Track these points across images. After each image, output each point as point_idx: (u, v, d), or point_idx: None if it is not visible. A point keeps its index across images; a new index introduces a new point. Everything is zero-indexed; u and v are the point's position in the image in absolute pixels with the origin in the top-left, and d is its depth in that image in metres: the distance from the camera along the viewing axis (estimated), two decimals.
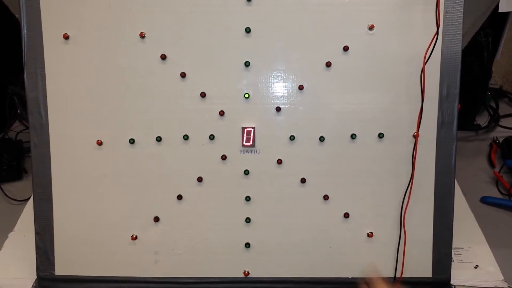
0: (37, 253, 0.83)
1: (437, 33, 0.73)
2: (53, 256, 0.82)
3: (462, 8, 0.76)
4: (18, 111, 1.21)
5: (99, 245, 0.83)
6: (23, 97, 1.15)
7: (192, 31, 0.77)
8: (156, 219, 0.82)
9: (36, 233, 0.82)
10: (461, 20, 0.76)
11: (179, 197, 0.81)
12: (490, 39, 1.15)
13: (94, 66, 0.78)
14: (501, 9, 1.02)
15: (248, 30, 0.77)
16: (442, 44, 0.77)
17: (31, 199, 1.00)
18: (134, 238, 0.82)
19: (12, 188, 1.11)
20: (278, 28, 0.77)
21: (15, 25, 0.87)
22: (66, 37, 0.77)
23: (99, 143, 0.80)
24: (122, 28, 0.77)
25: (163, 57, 0.77)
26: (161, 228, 0.82)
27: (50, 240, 0.82)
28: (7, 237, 0.94)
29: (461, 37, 0.77)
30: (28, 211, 1.00)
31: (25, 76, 0.78)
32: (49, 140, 0.80)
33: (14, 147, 1.17)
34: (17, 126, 1.27)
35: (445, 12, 0.76)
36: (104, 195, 0.82)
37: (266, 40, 0.78)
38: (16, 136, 1.23)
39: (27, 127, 1.23)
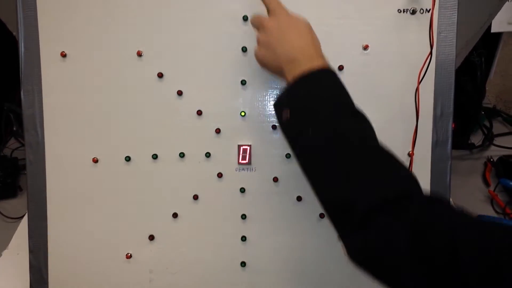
0: (30, 271, 0.82)
1: (430, 53, 0.74)
2: (47, 275, 0.81)
3: (455, 29, 0.77)
4: (14, 128, 1.22)
5: (94, 264, 0.82)
6: (19, 114, 1.15)
7: (189, 50, 0.78)
8: (151, 238, 0.81)
9: (30, 251, 0.81)
10: (455, 40, 0.77)
11: (175, 215, 0.81)
12: (483, 59, 1.16)
13: (91, 84, 0.79)
14: (494, 29, 1.04)
15: (244, 49, 0.78)
16: (436, 64, 0.78)
17: (26, 217, 0.99)
18: (129, 256, 0.82)
19: (7, 205, 1.10)
20: None
21: (12, 42, 0.88)
22: (63, 54, 0.77)
23: (95, 161, 0.80)
24: (120, 47, 0.78)
25: (160, 75, 0.78)
26: (156, 246, 0.82)
27: (44, 258, 0.81)
28: (1, 255, 0.93)
29: (454, 57, 0.78)
30: (22, 229, 0.99)
31: (21, 94, 0.78)
32: (45, 158, 0.80)
33: (9, 164, 1.17)
34: (12, 143, 1.27)
35: (439, 33, 0.77)
36: (99, 213, 0.81)
37: None
38: (11, 153, 1.23)
39: (23, 145, 1.22)
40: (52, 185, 0.80)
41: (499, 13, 0.94)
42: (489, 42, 1.20)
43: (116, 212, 0.81)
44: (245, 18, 0.77)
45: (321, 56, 0.65)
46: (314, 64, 0.61)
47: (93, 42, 0.78)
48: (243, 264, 0.82)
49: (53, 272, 0.82)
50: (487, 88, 1.29)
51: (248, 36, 0.78)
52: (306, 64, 0.61)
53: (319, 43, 0.67)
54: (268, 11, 0.68)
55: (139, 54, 0.78)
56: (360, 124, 0.61)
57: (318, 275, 0.82)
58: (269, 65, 0.68)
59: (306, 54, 0.63)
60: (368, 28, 0.77)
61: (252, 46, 0.77)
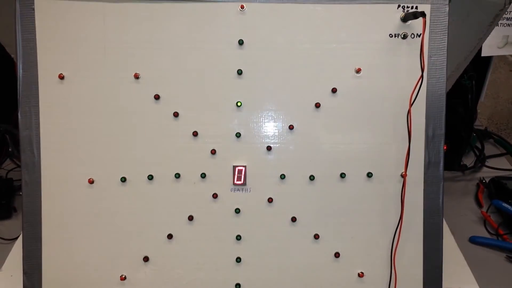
0: None
1: (422, 76, 0.76)
2: None
3: (446, 53, 0.79)
4: (10, 149, 1.22)
5: (88, 285, 0.81)
6: (15, 135, 1.15)
7: (185, 72, 0.79)
8: (146, 259, 0.81)
9: (24, 272, 0.81)
10: (445, 64, 0.79)
11: (170, 236, 0.81)
12: (474, 82, 1.18)
13: (88, 106, 0.80)
14: (484, 53, 1.07)
15: (240, 72, 0.79)
16: (427, 87, 0.79)
17: (20, 238, 0.99)
18: (123, 278, 0.81)
19: (1, 226, 1.09)
20: (269, 70, 0.80)
21: (10, 64, 0.89)
22: (61, 77, 0.78)
23: (91, 182, 0.80)
24: (117, 69, 0.79)
25: (157, 97, 0.79)
26: (151, 268, 0.82)
27: (38, 280, 0.81)
28: None
29: (445, 80, 0.79)
30: (16, 250, 0.98)
31: (19, 115, 0.79)
32: (41, 178, 0.80)
33: (4, 185, 1.16)
34: (8, 164, 1.27)
35: (429, 57, 0.79)
36: (94, 234, 0.81)
37: (257, 82, 0.80)
38: (6, 174, 1.22)
39: (18, 166, 1.22)
40: (48, 206, 0.80)
41: (488, 38, 0.96)
42: (480, 65, 1.22)
43: (110, 233, 0.81)
44: (240, 42, 0.78)
45: None
46: None
47: (90, 65, 0.79)
48: (237, 286, 0.82)
49: None
50: (478, 110, 1.31)
51: (243, 59, 0.79)
52: None
53: None
54: None
55: (136, 77, 0.79)
56: None
57: None
58: None
59: None
60: (360, 52, 0.79)
61: (247, 68, 0.79)
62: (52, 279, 0.81)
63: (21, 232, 0.81)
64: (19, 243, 1.00)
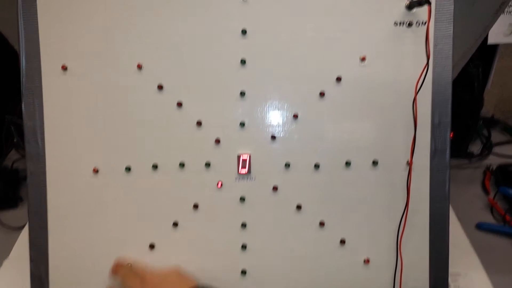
0: (31, 280, 0.82)
1: (427, 64, 0.75)
2: (48, 284, 0.82)
3: (451, 41, 0.78)
4: (15, 140, 1.22)
5: (94, 273, 0.82)
6: (20, 126, 1.16)
7: (188, 62, 0.79)
8: (152, 247, 0.82)
9: (31, 260, 0.81)
10: (451, 52, 0.78)
11: (175, 224, 0.82)
12: (480, 70, 1.17)
13: (92, 96, 0.79)
14: (490, 41, 1.06)
15: (243, 61, 0.79)
16: (433, 75, 0.79)
17: (26, 227, 1.00)
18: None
19: (8, 215, 1.10)
20: (273, 59, 0.79)
21: (13, 56, 0.89)
22: (64, 68, 0.78)
23: (95, 171, 0.80)
24: (120, 60, 0.79)
25: (160, 87, 0.79)
26: (157, 255, 0.82)
27: (45, 267, 0.82)
28: (2, 264, 0.94)
29: (451, 68, 0.79)
30: (23, 238, 0.99)
31: (23, 106, 0.79)
32: (46, 168, 0.80)
33: (10, 175, 1.18)
34: (13, 154, 1.28)
35: (435, 45, 0.78)
36: (99, 222, 0.82)
37: (261, 71, 0.80)
38: (12, 164, 1.23)
39: (23, 156, 1.23)
40: (53, 195, 0.81)
41: (495, 25, 0.95)
42: (486, 52, 1.21)
43: (116, 222, 0.82)
44: (243, 32, 0.78)
45: (192, 281, 0.78)
46: None
47: (93, 56, 0.79)
48: (243, 272, 0.82)
49: (53, 281, 0.82)
50: (485, 98, 1.30)
51: (246, 48, 0.79)
52: None
53: (189, 276, 0.80)
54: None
55: (139, 67, 0.79)
56: None
57: (318, 282, 0.83)
58: None
59: None
60: (365, 40, 0.78)
61: (250, 58, 0.78)
62: (59, 266, 0.82)
63: (27, 221, 0.82)
64: (25, 231, 1.01)
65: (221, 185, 0.81)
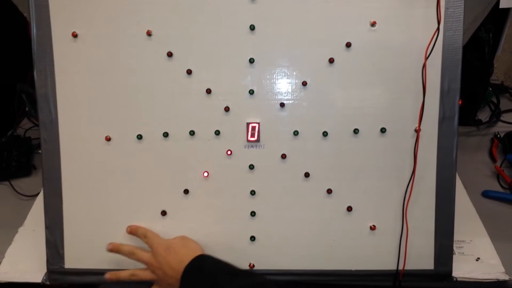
0: (47, 247, 0.84)
1: (438, 29, 0.75)
2: (63, 250, 0.84)
3: (463, 4, 0.77)
4: (27, 109, 1.23)
5: (108, 239, 0.84)
6: (31, 95, 1.16)
7: (197, 29, 0.79)
8: (164, 213, 0.84)
9: (46, 227, 0.84)
10: (462, 16, 0.77)
11: (186, 191, 0.83)
12: (491, 35, 1.15)
13: (102, 64, 0.80)
14: (502, 5, 1.03)
15: (252, 28, 0.78)
16: (443, 40, 0.78)
17: (40, 195, 1.02)
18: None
19: (22, 184, 1.12)
20: (282, 25, 0.79)
21: (24, 23, 0.89)
22: (74, 35, 0.79)
23: (108, 139, 0.81)
24: (129, 26, 0.79)
25: (170, 54, 0.79)
26: (168, 221, 0.84)
27: (60, 234, 0.84)
28: (17, 231, 0.96)
29: (462, 33, 0.78)
30: (37, 206, 1.01)
31: (34, 74, 0.80)
32: (59, 136, 0.82)
33: (23, 144, 1.19)
34: (25, 123, 1.29)
35: (446, 9, 0.77)
36: (112, 189, 0.83)
37: (270, 37, 0.79)
38: (24, 133, 1.25)
39: (36, 125, 1.24)
40: (66, 163, 0.82)
41: None
42: (498, 18, 1.19)
43: (128, 188, 0.83)
44: None
45: (197, 250, 0.80)
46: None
47: (103, 22, 0.79)
48: (252, 238, 0.84)
49: (68, 247, 0.84)
50: (495, 65, 1.28)
51: (255, 14, 0.78)
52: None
53: (194, 245, 0.82)
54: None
55: (149, 34, 0.79)
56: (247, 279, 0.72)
57: (325, 248, 0.84)
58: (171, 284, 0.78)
59: (184, 262, 0.75)
60: (375, 4, 0.78)
61: (259, 24, 0.78)
62: (73, 233, 0.84)
63: (42, 188, 0.83)
64: (39, 199, 1.03)
65: (231, 153, 0.82)
